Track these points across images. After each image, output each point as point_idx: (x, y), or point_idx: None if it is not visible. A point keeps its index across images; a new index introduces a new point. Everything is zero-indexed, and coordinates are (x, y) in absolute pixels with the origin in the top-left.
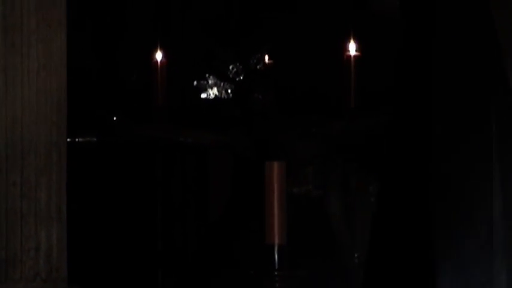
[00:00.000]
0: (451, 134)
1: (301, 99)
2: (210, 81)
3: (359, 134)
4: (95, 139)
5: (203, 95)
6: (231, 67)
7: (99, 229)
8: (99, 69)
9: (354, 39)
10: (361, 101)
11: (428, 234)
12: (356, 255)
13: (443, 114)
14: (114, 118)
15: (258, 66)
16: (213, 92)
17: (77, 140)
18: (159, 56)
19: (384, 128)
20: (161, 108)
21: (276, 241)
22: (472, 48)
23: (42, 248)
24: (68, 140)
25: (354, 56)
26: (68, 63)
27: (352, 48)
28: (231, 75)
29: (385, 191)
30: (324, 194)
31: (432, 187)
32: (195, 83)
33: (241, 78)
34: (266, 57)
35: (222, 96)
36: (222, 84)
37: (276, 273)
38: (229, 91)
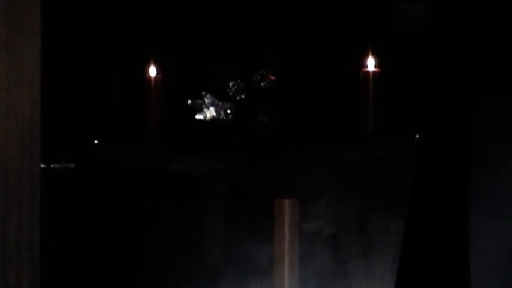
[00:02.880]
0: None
1: (311, 123)
2: (206, 101)
3: (378, 164)
4: (73, 165)
5: (199, 116)
6: (231, 84)
7: (78, 270)
8: (77, 85)
9: (372, 54)
10: (380, 125)
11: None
12: None
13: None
14: (96, 142)
15: (262, 84)
16: (210, 113)
17: (52, 166)
18: (152, 71)
19: (406, 156)
20: (155, 131)
21: None
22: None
23: None
24: (42, 166)
25: (373, 72)
26: (43, 79)
27: (370, 63)
28: (231, 94)
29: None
30: (337, 231)
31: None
32: (189, 102)
33: (243, 97)
34: (271, 74)
35: (221, 117)
36: (220, 103)
37: None
38: (228, 112)
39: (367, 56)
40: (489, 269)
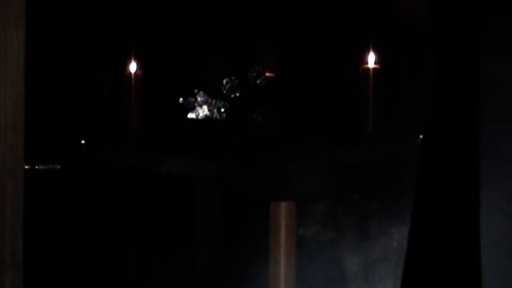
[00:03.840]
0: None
1: (309, 122)
2: (199, 98)
3: (379, 166)
4: (59, 167)
5: (191, 115)
6: (225, 81)
7: (64, 275)
8: (63, 81)
9: (373, 49)
10: (381, 125)
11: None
12: None
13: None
14: (82, 141)
15: (257, 81)
16: (202, 112)
17: (36, 167)
18: (133, 67)
19: (409, 157)
20: (136, 129)
21: None
22: None
23: None
24: (27, 167)
25: (373, 69)
26: (27, 75)
27: (371, 59)
28: (224, 91)
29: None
30: (336, 237)
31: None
32: (180, 100)
33: (237, 95)
34: (268, 71)
35: (214, 116)
36: (213, 102)
37: None
38: (222, 110)
39: (368, 51)
40: (501, 274)
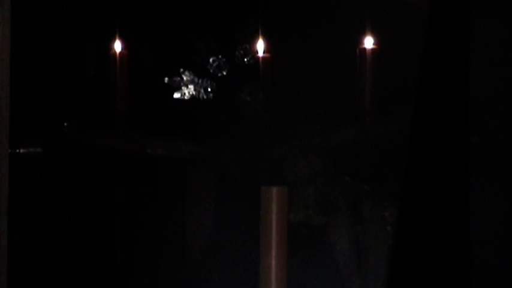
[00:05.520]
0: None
1: (301, 102)
2: (185, 78)
3: (373, 147)
4: (41, 150)
5: (176, 95)
6: (211, 60)
7: (48, 260)
8: (46, 63)
9: (370, 30)
10: (376, 105)
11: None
12: None
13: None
14: (65, 124)
15: (246, 60)
16: (188, 92)
17: (19, 151)
18: (118, 46)
19: (404, 138)
20: (121, 111)
21: None
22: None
23: None
24: (10, 151)
25: (371, 49)
26: (11, 58)
27: (368, 41)
28: (211, 71)
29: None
30: (328, 221)
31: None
32: (165, 80)
33: (225, 74)
34: (257, 48)
35: (200, 96)
36: (200, 81)
37: None
38: (209, 90)
39: (365, 31)
40: (493, 261)
